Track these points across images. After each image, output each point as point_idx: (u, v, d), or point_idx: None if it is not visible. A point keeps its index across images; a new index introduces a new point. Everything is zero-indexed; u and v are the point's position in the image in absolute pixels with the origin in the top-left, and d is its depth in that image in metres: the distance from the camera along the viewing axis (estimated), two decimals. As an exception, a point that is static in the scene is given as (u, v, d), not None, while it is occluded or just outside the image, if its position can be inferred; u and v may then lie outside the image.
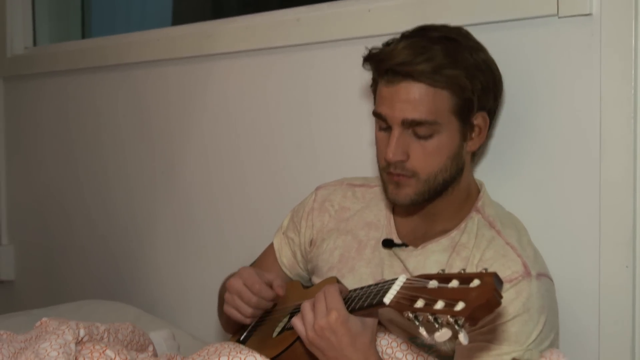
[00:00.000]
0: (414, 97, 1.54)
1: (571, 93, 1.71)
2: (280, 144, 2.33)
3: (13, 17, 3.20)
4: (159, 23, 3.45)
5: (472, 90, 1.57)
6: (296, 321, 1.49)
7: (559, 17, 1.69)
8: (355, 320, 1.44)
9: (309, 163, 2.26)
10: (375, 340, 1.53)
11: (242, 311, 1.68)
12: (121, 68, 2.78)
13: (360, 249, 1.73)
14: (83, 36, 3.45)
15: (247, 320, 1.70)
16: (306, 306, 1.48)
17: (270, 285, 1.68)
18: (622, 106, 1.61)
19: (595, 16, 1.64)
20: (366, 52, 1.63)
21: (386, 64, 1.56)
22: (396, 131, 1.57)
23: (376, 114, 1.62)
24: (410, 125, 1.56)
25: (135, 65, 2.73)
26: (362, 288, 1.48)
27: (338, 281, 1.62)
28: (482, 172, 1.81)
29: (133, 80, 2.76)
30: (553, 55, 1.73)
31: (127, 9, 3.56)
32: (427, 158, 1.58)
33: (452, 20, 1.68)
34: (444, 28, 1.62)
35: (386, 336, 1.63)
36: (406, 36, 1.61)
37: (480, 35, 1.67)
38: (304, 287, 1.78)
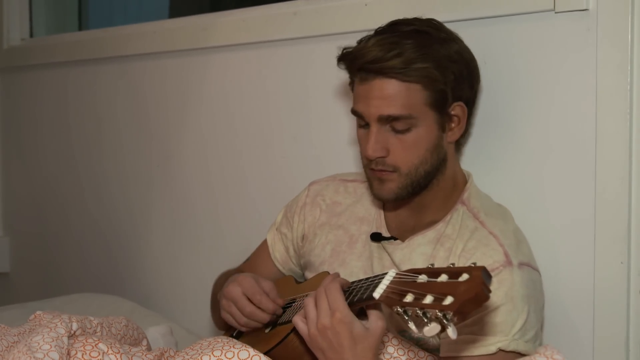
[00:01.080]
0: (388, 93, 1.55)
1: (567, 88, 1.70)
2: (278, 137, 2.32)
3: (10, 7, 3.20)
4: (156, 15, 3.44)
5: (445, 81, 1.57)
6: (297, 320, 1.45)
7: (556, 12, 1.69)
8: (359, 325, 1.39)
9: (306, 156, 2.25)
10: (380, 349, 1.49)
11: (238, 320, 1.67)
12: (118, 60, 2.78)
13: (351, 244, 1.73)
14: (80, 28, 3.45)
15: (244, 328, 1.69)
16: (310, 303, 1.44)
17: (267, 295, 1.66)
18: (618, 101, 1.60)
19: (592, 11, 1.64)
20: (339, 52, 1.62)
21: (358, 62, 1.57)
22: (374, 128, 1.58)
23: (354, 112, 1.63)
24: (387, 120, 1.57)
25: (132, 57, 2.72)
26: (352, 283, 1.47)
27: (332, 275, 1.61)
28: (479, 168, 1.80)
29: (130, 72, 2.75)
30: (549, 50, 1.72)
31: (124, 0, 3.55)
32: (406, 152, 1.58)
33: (448, 15, 1.68)
34: (415, 21, 1.62)
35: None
36: (378, 32, 1.61)
37: (476, 30, 1.66)
38: (297, 282, 1.78)
